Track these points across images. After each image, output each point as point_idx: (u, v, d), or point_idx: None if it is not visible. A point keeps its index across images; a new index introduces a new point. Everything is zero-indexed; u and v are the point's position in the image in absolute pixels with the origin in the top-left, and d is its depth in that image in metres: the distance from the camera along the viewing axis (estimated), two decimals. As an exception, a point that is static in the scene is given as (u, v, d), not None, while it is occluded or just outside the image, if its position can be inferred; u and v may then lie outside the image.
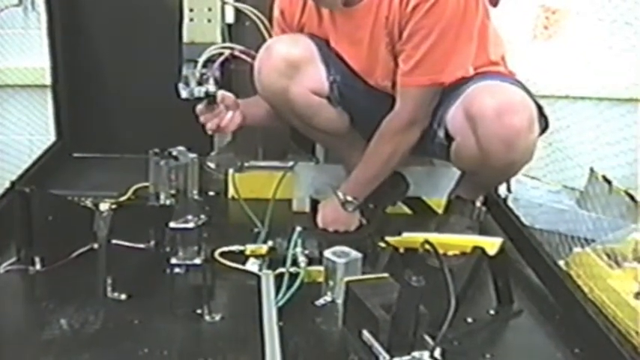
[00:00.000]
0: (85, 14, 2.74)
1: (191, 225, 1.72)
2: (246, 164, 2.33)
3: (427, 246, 1.64)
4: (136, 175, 2.29)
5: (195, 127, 2.43)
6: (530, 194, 2.92)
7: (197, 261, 1.71)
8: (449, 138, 1.92)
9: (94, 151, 2.83)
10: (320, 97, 2.02)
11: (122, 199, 2.25)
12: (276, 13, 2.07)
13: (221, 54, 2.07)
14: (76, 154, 2.84)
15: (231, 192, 2.37)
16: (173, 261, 1.71)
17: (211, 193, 2.41)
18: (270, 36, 2.19)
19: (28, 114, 2.96)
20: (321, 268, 1.76)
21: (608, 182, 2.84)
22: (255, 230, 2.09)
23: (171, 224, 1.72)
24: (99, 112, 2.84)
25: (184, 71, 2.05)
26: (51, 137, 2.87)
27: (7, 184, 2.22)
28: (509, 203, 2.38)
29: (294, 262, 1.83)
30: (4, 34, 2.87)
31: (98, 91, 2.82)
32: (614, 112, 2.76)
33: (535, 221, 2.62)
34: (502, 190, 2.37)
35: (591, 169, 2.93)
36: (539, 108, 1.90)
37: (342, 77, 2.02)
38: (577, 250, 2.11)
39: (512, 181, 2.24)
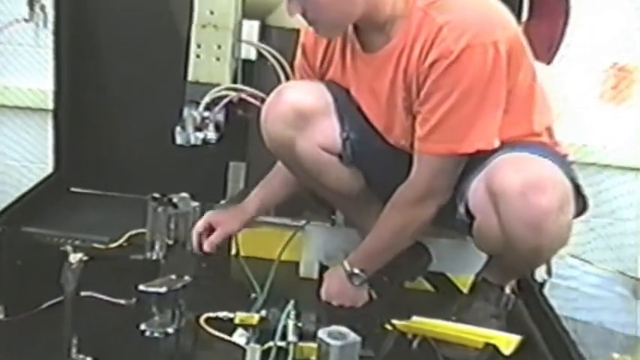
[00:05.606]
0: (95, 38, 2.61)
1: (163, 289, 1.55)
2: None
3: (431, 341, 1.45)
4: (135, 217, 2.12)
5: (206, 172, 2.27)
6: (578, 279, 2.65)
7: (169, 330, 1.56)
8: (470, 215, 1.70)
9: (93, 186, 2.67)
10: (330, 153, 1.85)
11: (113, 245, 2.10)
12: (298, 50, 1.92)
13: (225, 96, 1.88)
14: (73, 189, 2.68)
15: (233, 248, 2.16)
16: (142, 327, 1.57)
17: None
18: (288, 79, 2.05)
19: (25, 139, 2.90)
20: (315, 345, 1.55)
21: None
22: (253, 295, 1.88)
23: (141, 286, 1.55)
24: (102, 145, 2.67)
25: (185, 113, 1.88)
26: (47, 168, 2.74)
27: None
28: (547, 288, 2.11)
29: (284, 336, 1.62)
30: (11, 50, 2.82)
31: (103, 124, 2.67)
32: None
33: (577, 311, 2.36)
34: (541, 272, 2.11)
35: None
36: (577, 187, 1.67)
37: (358, 134, 1.84)
38: (615, 356, 1.85)
39: (553, 261, 2.00)
